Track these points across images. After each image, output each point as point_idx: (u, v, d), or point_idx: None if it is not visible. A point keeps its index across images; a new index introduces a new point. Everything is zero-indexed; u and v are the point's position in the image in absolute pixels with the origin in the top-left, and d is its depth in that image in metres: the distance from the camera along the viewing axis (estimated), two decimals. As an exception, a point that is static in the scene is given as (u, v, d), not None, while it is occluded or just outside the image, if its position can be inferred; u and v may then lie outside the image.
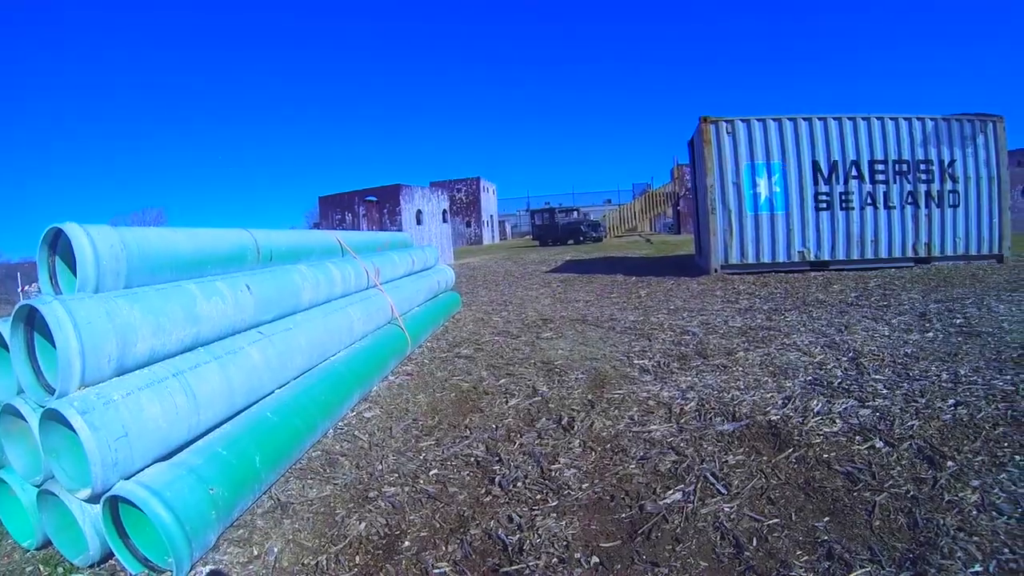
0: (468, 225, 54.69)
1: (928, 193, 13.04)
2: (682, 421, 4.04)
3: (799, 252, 12.88)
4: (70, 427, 2.37)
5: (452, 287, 9.97)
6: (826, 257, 12.92)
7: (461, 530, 2.90)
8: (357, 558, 2.73)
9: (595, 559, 2.60)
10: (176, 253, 3.43)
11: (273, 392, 3.77)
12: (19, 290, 31.86)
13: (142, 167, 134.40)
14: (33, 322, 2.70)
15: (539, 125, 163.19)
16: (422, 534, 2.89)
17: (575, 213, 44.52)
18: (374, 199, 24.88)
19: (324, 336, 4.59)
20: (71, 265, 2.92)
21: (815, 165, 12.86)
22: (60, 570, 2.81)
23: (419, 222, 25.58)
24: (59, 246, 2.96)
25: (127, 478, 2.52)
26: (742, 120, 12.83)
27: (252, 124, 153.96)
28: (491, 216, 59.50)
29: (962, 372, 4.80)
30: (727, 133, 12.78)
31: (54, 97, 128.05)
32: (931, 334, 6.31)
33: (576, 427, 4.05)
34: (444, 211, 28.57)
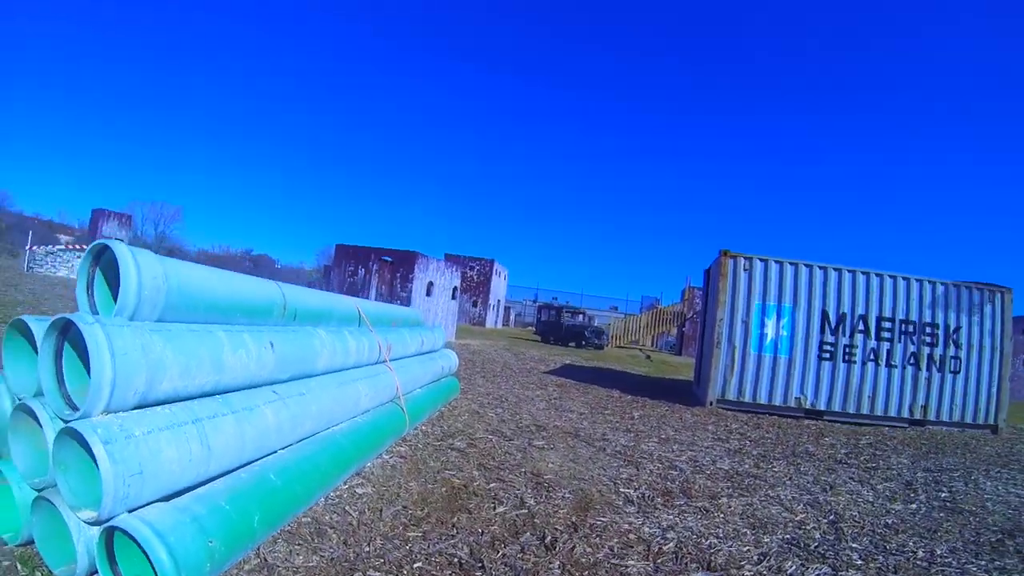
0: (475, 305, 54.89)
1: (931, 356, 13.21)
2: (659, 561, 4.11)
3: (796, 398, 12.96)
4: (88, 449, 2.48)
5: (454, 372, 10.09)
6: (822, 407, 12.97)
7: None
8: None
9: None
10: (210, 296, 3.58)
11: (277, 452, 3.89)
12: (27, 248, 32.21)
13: (164, 158, 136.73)
14: (67, 332, 2.82)
15: (559, 221, 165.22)
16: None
17: (581, 316, 44.80)
18: (389, 260, 25.12)
19: (333, 406, 4.73)
20: (108, 278, 3.08)
21: (824, 314, 13.07)
22: (38, 574, 2.89)
23: (429, 294, 25.78)
24: (103, 260, 3.09)
25: (130, 511, 2.63)
26: (760, 259, 13.10)
27: (290, 149, 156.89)
28: (499, 300, 59.78)
29: (939, 552, 4.90)
30: (744, 270, 13.03)
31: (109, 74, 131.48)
32: (914, 505, 6.40)
33: (558, 548, 4.12)
34: (455, 288, 28.81)
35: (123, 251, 2.93)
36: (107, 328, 2.65)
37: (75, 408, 2.72)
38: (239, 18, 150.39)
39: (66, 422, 2.62)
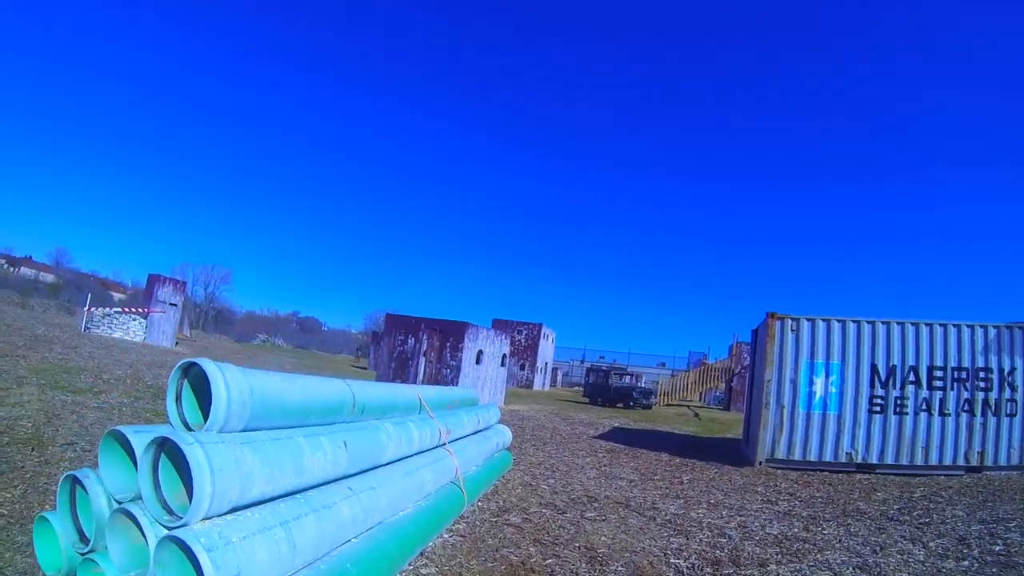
0: (522, 368, 54.98)
1: (985, 401, 13.05)
2: (708, 631, 4.40)
3: (847, 453, 12.95)
4: (188, 552, 2.78)
5: (507, 446, 10.42)
6: (874, 460, 12.93)
7: None
8: None
9: None
10: (288, 402, 3.93)
11: (350, 540, 4.27)
12: (86, 308, 33.09)
13: (216, 220, 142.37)
14: (164, 445, 3.10)
15: (605, 280, 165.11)
16: None
17: (628, 377, 44.64)
18: (438, 330, 25.52)
19: (400, 496, 5.12)
20: (194, 389, 3.40)
21: (873, 368, 13.12)
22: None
23: (478, 362, 26.04)
24: (191, 374, 3.39)
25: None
26: (807, 319, 13.29)
27: (333, 213, 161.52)
28: (546, 363, 59.84)
29: (988, 613, 5.04)
30: (791, 331, 13.22)
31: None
32: (967, 562, 6.45)
33: (612, 621, 4.44)
34: (504, 355, 29.07)
35: (212, 369, 3.25)
36: (205, 447, 2.97)
37: (172, 513, 3.02)
38: (279, 85, 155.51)
39: (168, 528, 2.92)
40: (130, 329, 33.30)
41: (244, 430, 3.44)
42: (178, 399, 3.38)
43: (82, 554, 3.42)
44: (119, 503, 3.29)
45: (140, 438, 3.22)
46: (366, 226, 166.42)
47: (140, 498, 3.12)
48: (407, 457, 5.76)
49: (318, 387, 4.57)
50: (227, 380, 3.27)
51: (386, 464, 5.24)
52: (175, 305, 36.01)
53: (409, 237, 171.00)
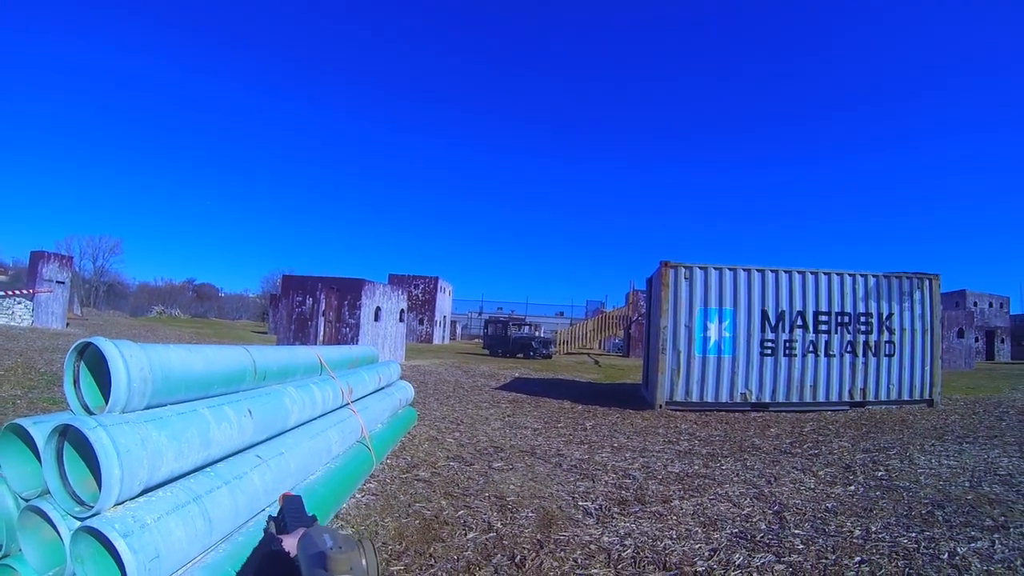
0: (421, 323, 54.92)
1: (866, 343, 14.14)
2: (619, 567, 4.52)
3: (742, 393, 13.67)
4: (104, 540, 2.68)
5: (411, 402, 10.40)
6: (767, 399, 13.73)
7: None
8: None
9: None
10: (191, 374, 3.79)
11: (264, 509, 4.20)
12: None
13: (101, 191, 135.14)
14: (66, 433, 2.95)
15: (501, 231, 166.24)
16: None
17: (527, 327, 45.15)
18: (336, 288, 25.15)
19: (309, 459, 5.03)
20: (90, 367, 3.24)
21: (764, 313, 13.83)
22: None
23: (377, 318, 25.84)
24: (87, 355, 3.22)
25: (151, 592, 2.87)
26: (700, 267, 13.76)
27: (225, 177, 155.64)
28: (444, 316, 59.94)
29: (873, 529, 5.38)
30: (685, 279, 13.65)
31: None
32: (853, 487, 6.92)
33: (528, 566, 4.50)
34: (402, 310, 28.92)
35: (109, 348, 3.09)
36: (109, 430, 2.84)
37: (82, 503, 2.88)
38: (164, 47, 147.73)
39: (79, 519, 2.80)
40: (15, 313, 30.76)
41: (148, 407, 3.32)
42: (76, 383, 3.22)
43: (-5, 562, 3.27)
44: (26, 501, 3.14)
45: (40, 428, 3.09)
46: (257, 187, 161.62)
47: (48, 492, 2.98)
48: (313, 420, 5.67)
49: (219, 356, 4.43)
50: (125, 357, 3.13)
51: (292, 428, 5.15)
52: (62, 283, 33.22)
53: (302, 196, 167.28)
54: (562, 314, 73.89)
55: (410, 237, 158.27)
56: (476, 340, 59.06)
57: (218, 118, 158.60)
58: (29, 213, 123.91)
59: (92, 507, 2.81)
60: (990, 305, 57.04)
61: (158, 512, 2.99)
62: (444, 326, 59.85)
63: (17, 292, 32.22)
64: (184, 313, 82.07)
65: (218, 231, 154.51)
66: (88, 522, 2.75)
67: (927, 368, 14.52)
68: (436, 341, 55.13)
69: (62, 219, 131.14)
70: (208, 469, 3.69)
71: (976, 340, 44.22)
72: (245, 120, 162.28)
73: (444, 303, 59.51)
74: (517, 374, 23.97)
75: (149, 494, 3.09)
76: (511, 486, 6.79)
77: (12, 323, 30.22)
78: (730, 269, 13.87)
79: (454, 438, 9.47)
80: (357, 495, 6.12)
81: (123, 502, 2.90)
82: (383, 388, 8.84)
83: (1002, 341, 55.28)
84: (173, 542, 2.98)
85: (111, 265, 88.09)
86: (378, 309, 26.06)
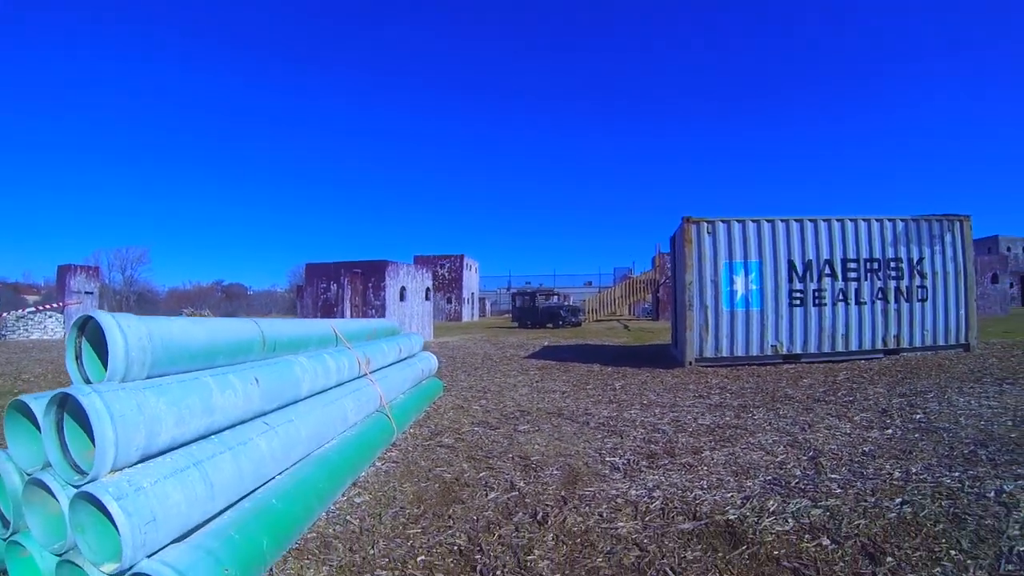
0: (449, 301, 55.04)
1: (898, 289, 13.75)
2: (647, 519, 4.36)
3: (772, 346, 13.38)
4: (101, 508, 2.64)
5: (434, 373, 10.30)
6: (798, 351, 13.43)
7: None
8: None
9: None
10: (193, 344, 3.72)
11: (275, 478, 4.10)
12: None
13: (127, 203, 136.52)
14: (65, 404, 2.94)
15: (525, 206, 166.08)
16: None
17: (555, 297, 45.12)
18: (359, 271, 25.14)
19: (321, 427, 4.93)
20: (95, 346, 3.23)
21: (790, 264, 13.49)
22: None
23: (402, 299, 25.85)
24: (87, 330, 3.22)
25: (149, 556, 2.82)
26: (722, 221, 13.45)
27: (247, 176, 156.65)
28: (472, 293, 59.97)
29: (913, 470, 5.15)
30: (708, 233, 13.38)
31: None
32: (890, 431, 6.67)
33: (550, 521, 4.36)
34: (427, 289, 28.90)
35: (106, 319, 3.06)
36: (103, 395, 2.79)
37: (82, 472, 2.86)
38: (163, 55, 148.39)
39: (77, 487, 2.76)
40: (48, 327, 31.59)
41: (148, 377, 3.27)
42: (78, 358, 3.25)
43: (5, 539, 3.28)
44: (29, 475, 3.14)
45: (40, 403, 3.07)
46: (278, 182, 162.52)
47: (51, 465, 2.97)
48: (328, 390, 5.58)
49: (225, 327, 4.35)
50: (122, 327, 3.11)
51: (305, 398, 5.05)
52: (91, 293, 33.83)
53: (323, 185, 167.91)
54: (591, 283, 73.75)
55: (434, 219, 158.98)
56: (506, 315, 59.14)
57: (233, 118, 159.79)
58: (56, 232, 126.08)
59: (89, 475, 2.77)
60: (1024, 249, 55.70)
61: (155, 476, 2.93)
62: (472, 303, 59.91)
63: (48, 307, 33.10)
64: (214, 313, 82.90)
65: (243, 230, 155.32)
66: (83, 487, 2.71)
67: (962, 311, 14.12)
68: (465, 318, 55.23)
69: (89, 234, 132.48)
70: (212, 437, 3.61)
71: (1011, 286, 43.36)
72: (259, 118, 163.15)
73: (471, 280, 59.54)
74: (546, 343, 23.84)
75: (149, 461, 3.03)
76: (536, 446, 6.65)
77: (46, 336, 30.96)
78: (753, 221, 13.54)
79: (480, 405, 9.35)
80: (377, 463, 6.03)
81: (121, 469, 2.85)
82: (404, 359, 8.75)
83: (1038, 285, 54.07)
84: (171, 506, 2.92)
85: (140, 274, 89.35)
86: (403, 289, 26.02)
